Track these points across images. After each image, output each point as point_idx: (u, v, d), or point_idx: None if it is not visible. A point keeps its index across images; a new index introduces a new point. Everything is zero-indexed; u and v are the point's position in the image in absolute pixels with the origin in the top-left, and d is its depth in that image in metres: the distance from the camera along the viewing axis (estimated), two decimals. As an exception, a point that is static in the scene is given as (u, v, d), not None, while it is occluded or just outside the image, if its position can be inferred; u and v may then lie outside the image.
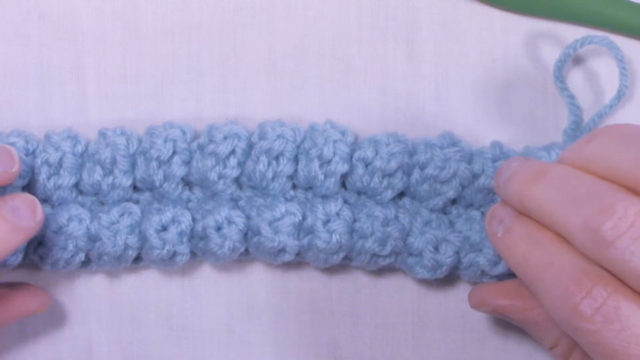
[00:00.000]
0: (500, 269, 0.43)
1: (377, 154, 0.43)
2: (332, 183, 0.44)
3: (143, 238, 0.44)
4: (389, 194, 0.44)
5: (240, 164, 0.44)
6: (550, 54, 0.46)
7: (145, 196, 0.45)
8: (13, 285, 0.45)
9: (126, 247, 0.43)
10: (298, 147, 0.44)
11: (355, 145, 0.44)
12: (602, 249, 0.35)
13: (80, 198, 0.45)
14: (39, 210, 0.41)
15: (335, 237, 0.43)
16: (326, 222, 0.43)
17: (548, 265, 0.37)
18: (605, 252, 0.35)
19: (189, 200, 0.45)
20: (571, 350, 0.41)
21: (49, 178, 0.44)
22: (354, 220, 0.44)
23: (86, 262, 0.45)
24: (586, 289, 0.35)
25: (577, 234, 0.36)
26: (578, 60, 0.46)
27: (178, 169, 0.44)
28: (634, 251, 0.34)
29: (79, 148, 0.44)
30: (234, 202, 0.45)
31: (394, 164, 0.43)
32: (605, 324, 0.34)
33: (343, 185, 0.45)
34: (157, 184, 0.44)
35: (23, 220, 0.40)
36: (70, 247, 0.43)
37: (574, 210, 0.36)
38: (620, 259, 0.35)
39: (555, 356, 0.42)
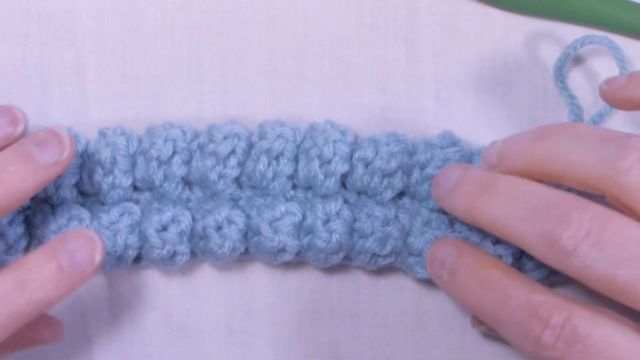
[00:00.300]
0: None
1: (377, 153, 0.43)
2: (332, 183, 0.44)
3: (143, 238, 0.44)
4: (389, 194, 0.44)
5: (240, 164, 0.44)
6: (550, 54, 0.46)
7: (145, 196, 0.45)
8: None
9: (126, 247, 0.43)
10: (298, 147, 0.44)
11: (355, 145, 0.44)
12: (563, 258, 0.36)
13: (80, 198, 0.45)
14: (99, 252, 0.40)
15: (335, 237, 0.43)
16: (326, 221, 0.43)
17: (502, 306, 0.38)
18: (567, 262, 0.36)
19: (189, 200, 0.45)
20: None
21: (49, 178, 0.44)
22: (354, 220, 0.44)
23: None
24: (543, 322, 0.36)
25: (536, 247, 0.37)
26: (578, 60, 0.46)
27: (178, 169, 0.44)
28: (594, 257, 0.35)
29: (79, 148, 0.44)
30: (234, 201, 0.45)
31: (394, 164, 0.43)
32: (568, 348, 0.36)
33: (343, 185, 0.45)
34: (157, 183, 0.44)
35: (79, 265, 0.39)
36: (71, 247, 0.43)
37: (529, 223, 0.37)
38: (582, 266, 0.36)
39: None
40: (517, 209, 0.37)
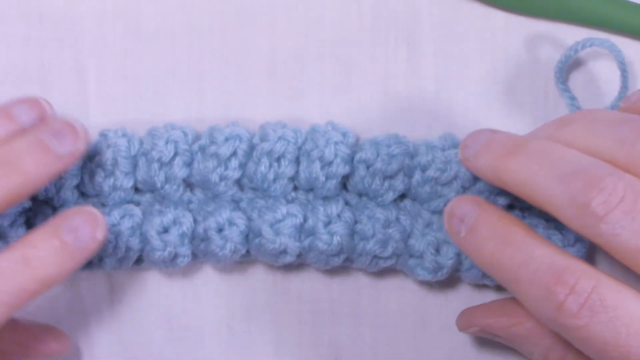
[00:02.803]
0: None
1: (378, 155, 0.43)
2: (333, 185, 0.44)
3: (144, 240, 0.44)
4: (390, 196, 0.44)
5: (242, 166, 0.44)
6: (551, 55, 0.46)
7: (146, 198, 0.45)
8: (40, 326, 0.45)
9: (127, 248, 0.43)
10: (299, 148, 0.44)
11: (356, 146, 0.44)
12: (593, 224, 0.35)
13: (81, 200, 0.45)
14: (101, 229, 0.40)
15: (336, 239, 0.43)
16: (327, 223, 0.43)
17: (523, 265, 0.36)
18: (596, 228, 0.35)
19: (190, 202, 0.45)
20: None
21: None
22: (355, 222, 0.44)
23: (88, 264, 0.45)
24: (569, 286, 0.35)
25: (566, 210, 0.35)
26: (579, 62, 0.46)
27: (179, 171, 0.44)
28: (625, 225, 0.34)
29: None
30: (235, 203, 0.45)
31: (395, 166, 0.43)
32: (592, 317, 0.34)
33: (344, 187, 0.45)
34: (159, 185, 0.44)
35: (81, 242, 0.39)
36: (72, 248, 0.43)
37: (560, 185, 0.36)
38: (612, 233, 0.34)
39: None
40: (548, 170, 0.36)
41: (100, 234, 0.40)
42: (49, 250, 0.38)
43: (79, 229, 0.39)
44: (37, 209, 0.44)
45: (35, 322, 0.45)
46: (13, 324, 0.43)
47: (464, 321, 0.44)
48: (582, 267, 0.35)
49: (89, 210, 0.40)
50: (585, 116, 0.38)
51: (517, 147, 0.38)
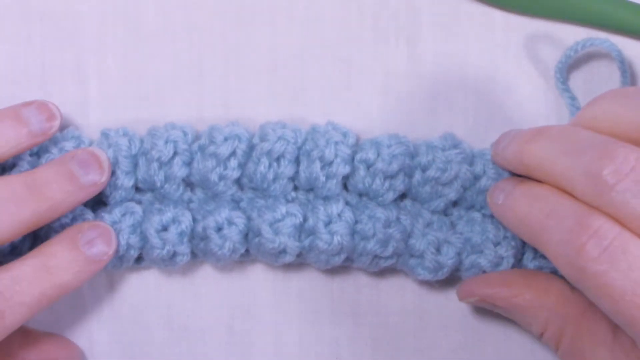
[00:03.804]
0: (501, 270, 0.43)
1: (378, 155, 0.43)
2: (333, 184, 0.44)
3: (144, 238, 0.44)
4: (391, 196, 0.44)
5: (241, 165, 0.44)
6: (551, 55, 0.46)
7: (147, 197, 0.45)
8: (47, 334, 0.46)
9: (128, 247, 0.44)
10: (299, 148, 0.44)
11: (356, 146, 0.44)
12: (603, 192, 0.35)
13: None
14: (113, 244, 0.43)
15: (336, 239, 0.43)
16: (328, 223, 0.43)
17: (551, 213, 0.37)
18: (607, 196, 0.35)
19: (190, 201, 0.45)
20: (561, 333, 0.42)
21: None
22: (356, 222, 0.44)
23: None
24: (592, 229, 0.35)
25: (578, 181, 0.36)
26: (579, 62, 0.47)
27: (179, 170, 0.44)
28: (635, 193, 0.35)
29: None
30: (235, 203, 0.45)
31: (395, 166, 0.43)
32: (613, 264, 0.34)
33: (344, 186, 0.45)
34: (158, 184, 0.44)
35: (97, 255, 0.42)
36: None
37: (575, 158, 0.37)
38: (622, 201, 0.35)
39: (547, 343, 0.43)
40: (564, 148, 0.37)
41: (112, 249, 0.43)
42: (68, 260, 0.41)
43: (95, 242, 0.42)
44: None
45: (44, 331, 0.46)
46: (23, 331, 0.44)
47: (465, 290, 0.44)
48: (607, 217, 0.35)
49: (104, 225, 0.43)
50: (613, 94, 0.39)
51: (540, 133, 0.39)
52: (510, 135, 0.41)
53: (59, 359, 0.45)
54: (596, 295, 0.35)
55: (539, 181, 0.40)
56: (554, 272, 0.44)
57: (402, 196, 0.45)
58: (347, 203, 0.44)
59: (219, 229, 0.43)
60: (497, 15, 0.47)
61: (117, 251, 0.43)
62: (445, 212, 0.45)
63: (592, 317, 0.41)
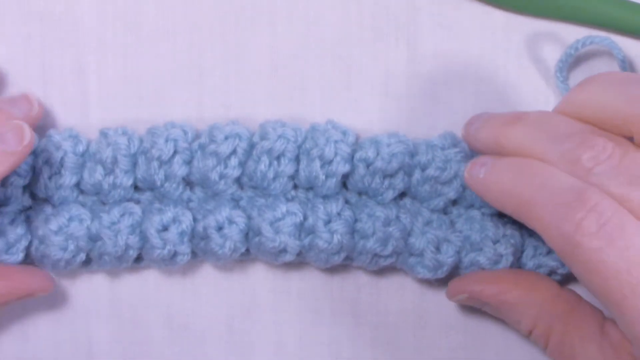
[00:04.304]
0: (500, 267, 0.43)
1: (378, 154, 0.43)
2: (333, 183, 0.44)
3: (144, 238, 0.44)
4: (390, 194, 0.44)
5: (241, 164, 0.44)
6: (552, 54, 0.46)
7: (146, 196, 0.45)
8: (19, 268, 0.44)
9: (127, 247, 0.43)
10: (299, 147, 0.44)
11: (356, 145, 0.44)
12: (582, 176, 0.36)
13: (81, 198, 0.45)
14: (27, 135, 0.41)
15: (336, 237, 0.43)
16: (327, 222, 0.43)
17: (540, 187, 0.36)
18: (585, 179, 0.35)
19: (190, 200, 0.45)
20: (550, 330, 0.41)
21: (50, 177, 0.44)
22: (355, 221, 0.44)
23: (87, 262, 0.45)
24: (590, 204, 0.34)
25: (557, 164, 0.37)
26: (579, 61, 0.46)
27: (179, 169, 0.44)
28: (611, 176, 0.35)
29: (80, 148, 0.44)
30: (235, 202, 0.45)
31: (395, 165, 0.43)
32: (610, 241, 0.34)
33: (344, 185, 0.45)
34: (158, 183, 0.44)
35: (10, 146, 0.40)
36: (71, 247, 0.43)
37: (554, 145, 0.37)
38: (598, 183, 0.35)
39: (535, 340, 0.43)
40: (544, 133, 0.38)
41: (27, 138, 0.40)
42: None
43: (6, 135, 0.40)
44: (37, 207, 0.44)
45: (14, 266, 0.44)
46: None
47: (454, 288, 0.44)
48: (604, 193, 0.35)
49: (14, 122, 0.41)
50: (600, 79, 0.39)
51: (517, 118, 0.39)
52: (484, 118, 0.41)
53: (30, 287, 0.43)
54: (586, 271, 0.34)
55: None
56: (552, 272, 0.44)
57: (402, 195, 0.45)
58: (346, 202, 0.44)
59: (220, 228, 0.43)
60: (498, 15, 0.47)
61: (33, 141, 0.41)
62: (444, 211, 0.45)
63: (580, 313, 0.41)
